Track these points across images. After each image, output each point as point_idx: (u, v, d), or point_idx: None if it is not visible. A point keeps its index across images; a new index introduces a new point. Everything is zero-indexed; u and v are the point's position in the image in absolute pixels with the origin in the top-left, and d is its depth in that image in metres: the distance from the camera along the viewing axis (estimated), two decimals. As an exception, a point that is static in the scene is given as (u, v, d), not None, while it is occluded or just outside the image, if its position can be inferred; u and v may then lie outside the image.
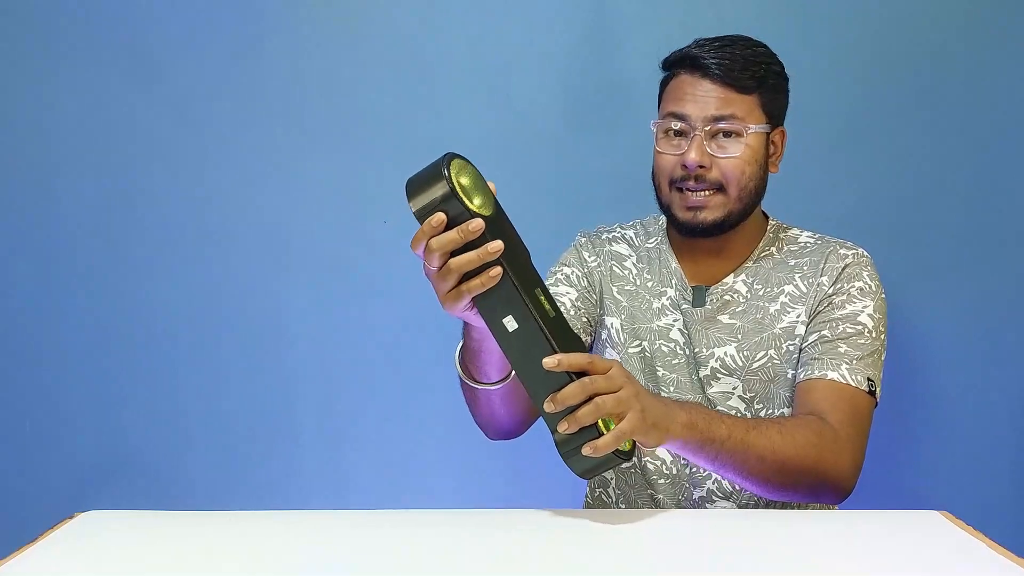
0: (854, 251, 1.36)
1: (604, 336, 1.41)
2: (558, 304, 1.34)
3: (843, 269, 1.33)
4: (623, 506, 1.40)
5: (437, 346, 1.79)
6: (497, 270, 0.97)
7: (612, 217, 1.51)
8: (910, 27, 1.72)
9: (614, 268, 1.42)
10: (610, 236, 1.46)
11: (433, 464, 1.80)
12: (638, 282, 1.41)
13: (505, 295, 0.97)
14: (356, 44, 1.78)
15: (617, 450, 1.01)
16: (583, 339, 1.38)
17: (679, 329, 1.37)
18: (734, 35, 1.33)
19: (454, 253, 0.96)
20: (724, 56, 1.29)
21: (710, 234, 1.33)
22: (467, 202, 0.95)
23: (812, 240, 1.40)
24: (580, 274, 1.42)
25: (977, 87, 1.72)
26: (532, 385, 1.00)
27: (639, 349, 1.38)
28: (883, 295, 1.34)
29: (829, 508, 1.34)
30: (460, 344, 1.14)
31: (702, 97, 1.29)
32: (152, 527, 1.01)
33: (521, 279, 0.98)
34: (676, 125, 1.31)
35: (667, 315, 1.38)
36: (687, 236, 1.35)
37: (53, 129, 1.79)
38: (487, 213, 0.97)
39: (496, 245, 0.95)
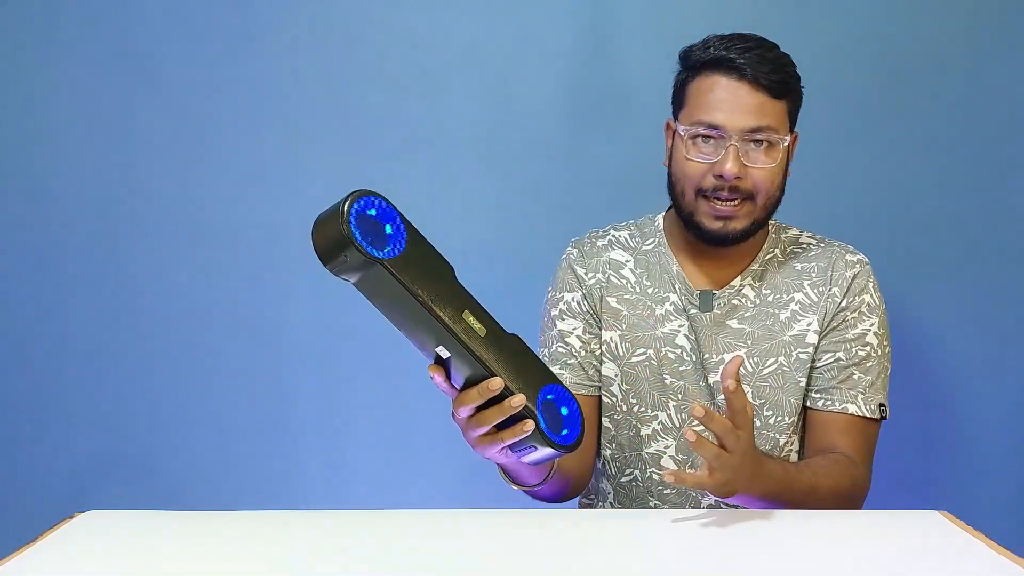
0: (858, 258, 1.36)
1: (604, 350, 1.37)
2: (566, 341, 1.36)
3: (852, 280, 1.34)
4: None
5: (437, 346, 1.78)
6: (529, 423, 0.98)
7: (611, 217, 1.50)
8: (910, 27, 1.72)
9: (612, 278, 1.38)
10: (604, 243, 1.41)
11: (433, 464, 1.80)
12: (638, 289, 1.37)
13: (432, 331, 0.96)
14: (355, 44, 1.78)
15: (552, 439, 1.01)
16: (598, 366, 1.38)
17: (685, 335, 1.34)
18: (750, 35, 1.29)
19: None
20: (755, 58, 1.25)
21: (736, 243, 1.31)
22: (365, 250, 0.91)
23: (813, 242, 1.39)
24: (580, 298, 1.38)
25: (977, 87, 1.72)
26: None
27: (644, 358, 1.35)
28: (884, 306, 1.36)
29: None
30: None
31: (738, 104, 1.25)
32: (152, 527, 1.01)
33: (445, 310, 0.96)
34: (710, 132, 1.26)
35: (671, 321, 1.35)
36: (711, 245, 1.32)
37: (51, 128, 1.78)
38: (397, 252, 0.94)
39: (519, 400, 0.96)
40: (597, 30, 1.75)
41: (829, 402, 1.32)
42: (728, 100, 1.25)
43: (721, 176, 1.25)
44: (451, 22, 1.76)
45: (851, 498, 1.27)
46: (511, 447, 1.01)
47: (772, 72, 1.25)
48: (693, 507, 1.33)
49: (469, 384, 0.99)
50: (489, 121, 1.77)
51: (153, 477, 1.81)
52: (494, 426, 0.99)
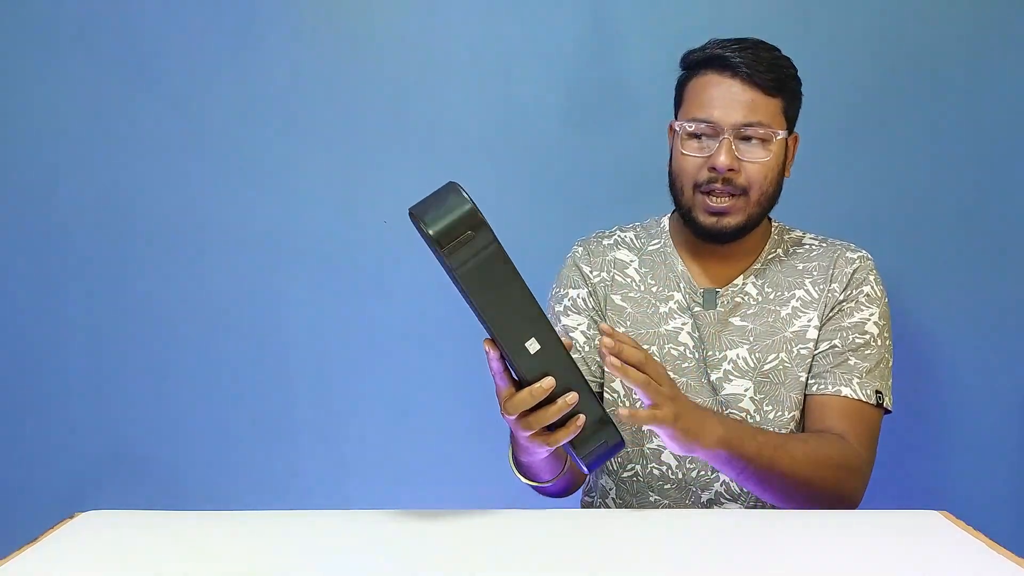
0: (859, 254, 1.38)
1: None
2: (571, 336, 1.38)
3: (852, 274, 1.35)
4: None
5: (437, 346, 1.79)
6: (581, 419, 0.98)
7: (613, 217, 1.51)
8: (910, 27, 1.72)
9: (616, 277, 1.40)
10: (610, 243, 1.43)
11: (433, 464, 1.80)
12: (642, 287, 1.39)
13: (531, 320, 0.95)
14: (356, 44, 1.78)
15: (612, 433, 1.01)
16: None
17: (688, 332, 1.36)
18: (751, 38, 1.33)
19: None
20: (750, 57, 1.29)
21: (731, 239, 1.33)
22: (492, 230, 0.91)
23: (816, 243, 1.40)
24: (586, 294, 1.40)
25: (977, 87, 1.72)
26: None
27: None
28: (886, 299, 1.37)
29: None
30: (511, 448, 1.19)
31: (731, 100, 1.29)
32: (152, 527, 1.01)
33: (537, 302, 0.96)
34: (703, 128, 1.30)
35: (675, 319, 1.37)
36: (708, 241, 1.35)
37: (52, 129, 1.78)
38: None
39: (572, 397, 0.96)
40: (597, 30, 1.75)
41: (823, 385, 1.32)
42: (721, 96, 1.29)
43: (715, 168, 1.29)
44: (452, 22, 1.76)
45: (840, 468, 1.23)
46: (577, 454, 1.01)
47: (765, 71, 1.29)
48: (692, 501, 1.34)
49: (521, 385, 0.98)
50: (489, 120, 1.77)
51: (153, 477, 1.81)
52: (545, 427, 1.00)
